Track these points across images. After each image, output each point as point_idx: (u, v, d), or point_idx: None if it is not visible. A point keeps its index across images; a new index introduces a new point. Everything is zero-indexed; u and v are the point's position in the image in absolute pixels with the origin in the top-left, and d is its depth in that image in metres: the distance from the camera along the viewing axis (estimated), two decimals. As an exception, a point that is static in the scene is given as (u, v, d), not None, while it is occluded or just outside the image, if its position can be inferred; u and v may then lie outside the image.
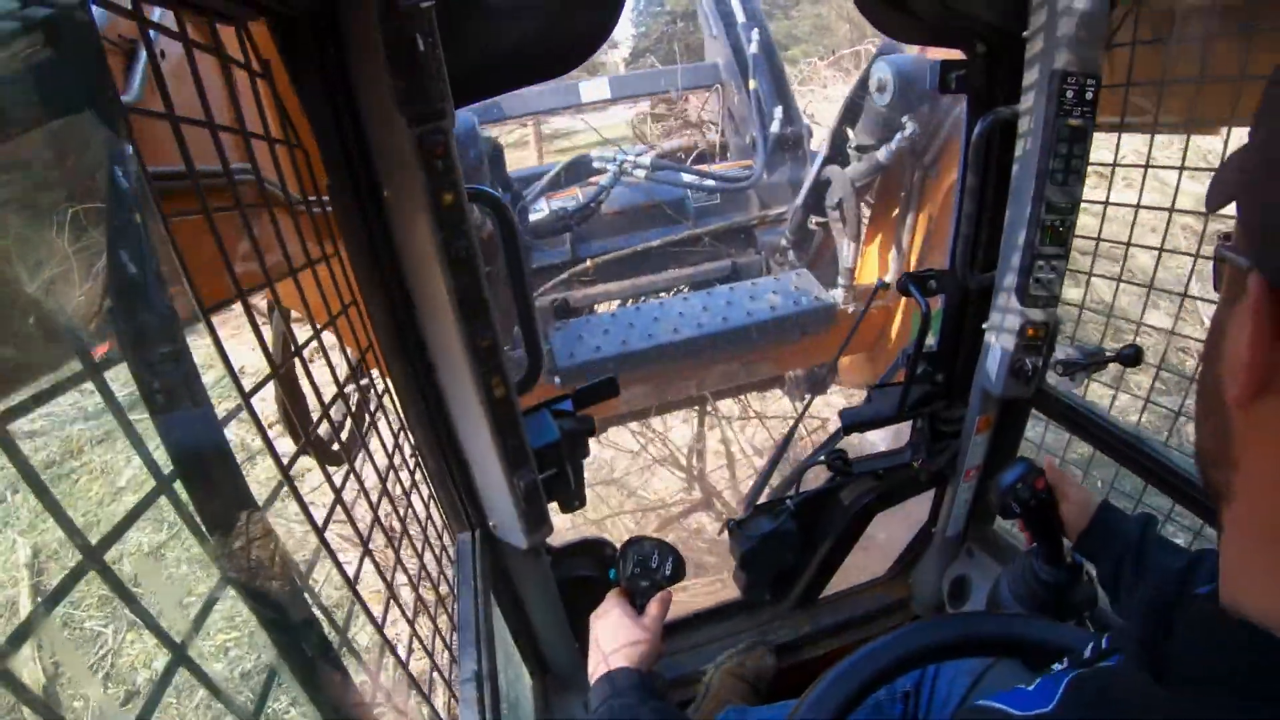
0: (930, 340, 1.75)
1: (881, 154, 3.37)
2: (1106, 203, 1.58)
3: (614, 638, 1.24)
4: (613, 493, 5.60)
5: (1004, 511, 1.36)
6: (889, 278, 3.58)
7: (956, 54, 1.49)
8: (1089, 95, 1.32)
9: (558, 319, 3.76)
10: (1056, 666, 0.69)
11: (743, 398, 5.61)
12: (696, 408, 5.44)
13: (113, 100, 0.47)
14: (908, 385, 1.73)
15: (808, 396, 3.52)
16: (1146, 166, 1.53)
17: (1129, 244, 1.57)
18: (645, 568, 1.30)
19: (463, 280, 1.10)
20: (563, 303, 3.88)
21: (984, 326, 1.61)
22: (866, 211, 3.78)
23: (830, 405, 5.19)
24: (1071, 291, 1.60)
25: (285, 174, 0.93)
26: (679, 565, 1.31)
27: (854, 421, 1.79)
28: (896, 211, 3.58)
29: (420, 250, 1.09)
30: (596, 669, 1.22)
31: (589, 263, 4.06)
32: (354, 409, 1.06)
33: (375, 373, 1.23)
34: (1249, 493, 0.45)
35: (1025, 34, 1.35)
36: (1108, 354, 1.53)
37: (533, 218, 4.06)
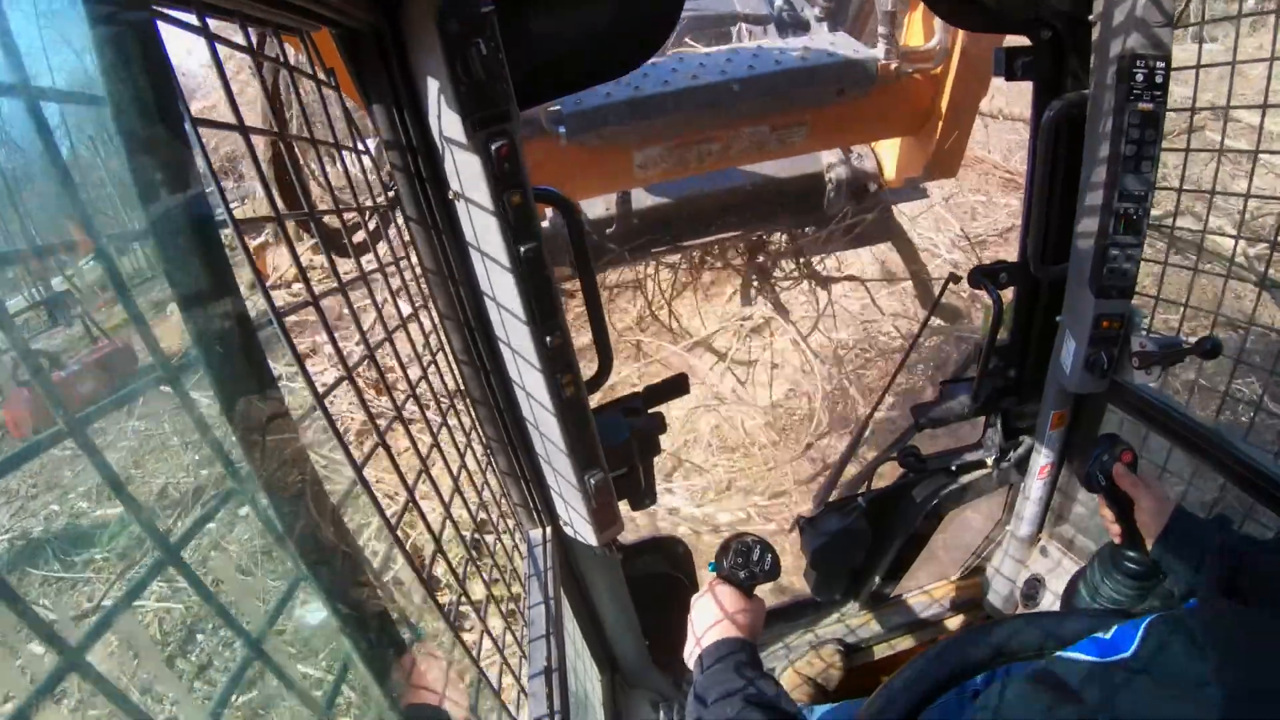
0: (1002, 334, 1.70)
1: None
2: (1180, 189, 1.52)
3: (735, 612, 1.23)
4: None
5: (1089, 483, 1.33)
6: (934, 42, 3.13)
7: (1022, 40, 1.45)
8: (1159, 79, 1.27)
9: None
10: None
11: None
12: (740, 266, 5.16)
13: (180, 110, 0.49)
14: (980, 381, 1.69)
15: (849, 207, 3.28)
16: (1220, 151, 1.47)
17: (1204, 230, 1.51)
18: (746, 560, 1.30)
19: (532, 280, 1.11)
20: None
21: (1057, 319, 1.57)
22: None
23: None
24: (1146, 280, 1.54)
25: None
26: (776, 562, 1.31)
27: (927, 418, 1.76)
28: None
29: (489, 251, 1.11)
30: (709, 636, 1.19)
31: None
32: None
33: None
34: None
35: (1091, 17, 1.31)
36: (1185, 346, 1.47)
37: None
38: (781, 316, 5.52)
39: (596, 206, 3.55)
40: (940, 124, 3.31)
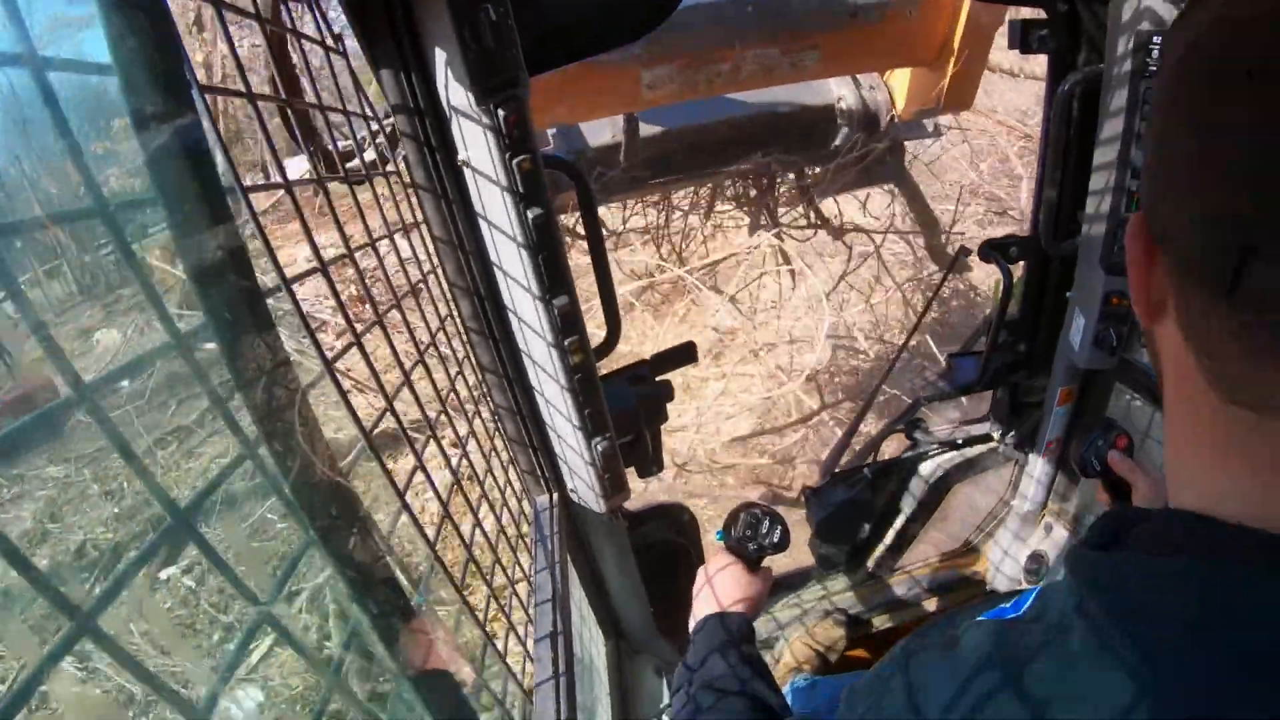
0: (1012, 309, 1.70)
1: None
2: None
3: (731, 585, 1.23)
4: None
5: (1084, 469, 1.32)
6: None
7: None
8: None
9: None
10: None
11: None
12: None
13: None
14: (989, 355, 1.69)
15: (860, 136, 3.22)
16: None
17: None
18: (754, 532, 1.30)
19: (541, 246, 1.11)
20: None
21: (1068, 295, 1.56)
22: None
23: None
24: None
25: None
26: (786, 535, 1.31)
27: (934, 391, 1.76)
28: None
29: (497, 217, 1.10)
30: (702, 610, 1.21)
31: None
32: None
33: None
34: (1166, 401, 0.51)
35: None
36: None
37: None
38: (786, 248, 5.43)
39: (602, 132, 3.46)
40: (954, 53, 3.21)
